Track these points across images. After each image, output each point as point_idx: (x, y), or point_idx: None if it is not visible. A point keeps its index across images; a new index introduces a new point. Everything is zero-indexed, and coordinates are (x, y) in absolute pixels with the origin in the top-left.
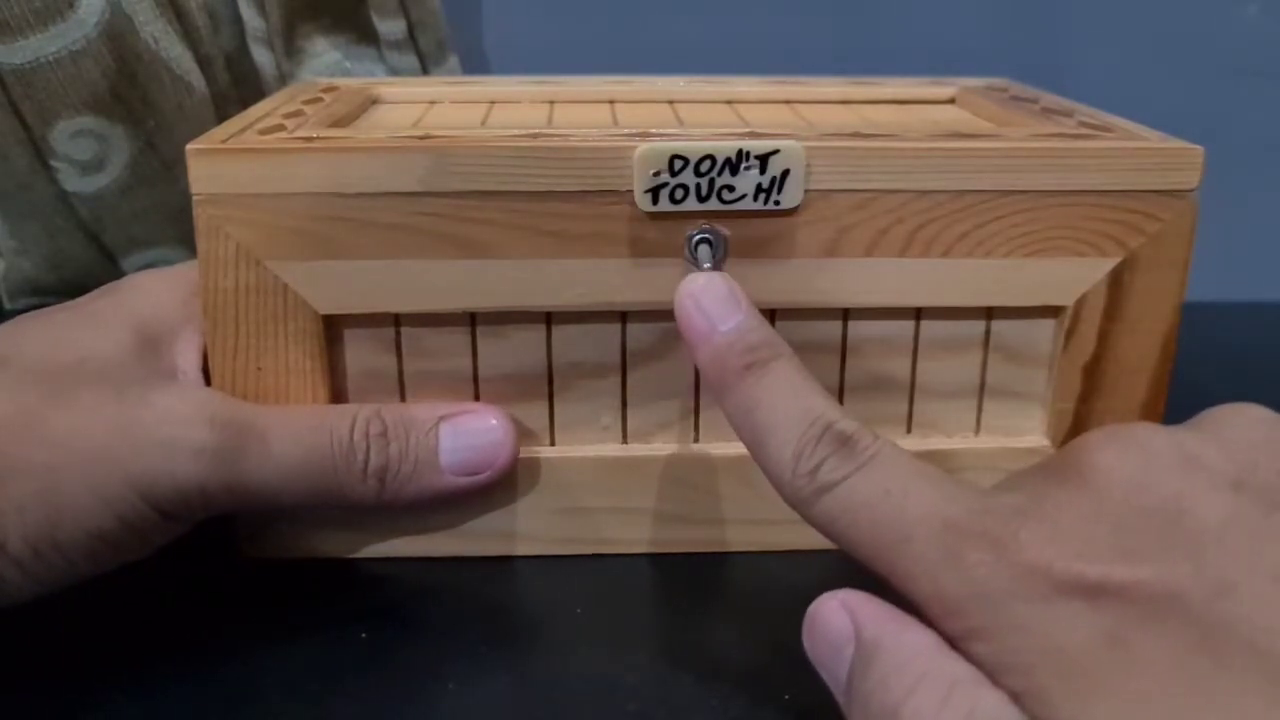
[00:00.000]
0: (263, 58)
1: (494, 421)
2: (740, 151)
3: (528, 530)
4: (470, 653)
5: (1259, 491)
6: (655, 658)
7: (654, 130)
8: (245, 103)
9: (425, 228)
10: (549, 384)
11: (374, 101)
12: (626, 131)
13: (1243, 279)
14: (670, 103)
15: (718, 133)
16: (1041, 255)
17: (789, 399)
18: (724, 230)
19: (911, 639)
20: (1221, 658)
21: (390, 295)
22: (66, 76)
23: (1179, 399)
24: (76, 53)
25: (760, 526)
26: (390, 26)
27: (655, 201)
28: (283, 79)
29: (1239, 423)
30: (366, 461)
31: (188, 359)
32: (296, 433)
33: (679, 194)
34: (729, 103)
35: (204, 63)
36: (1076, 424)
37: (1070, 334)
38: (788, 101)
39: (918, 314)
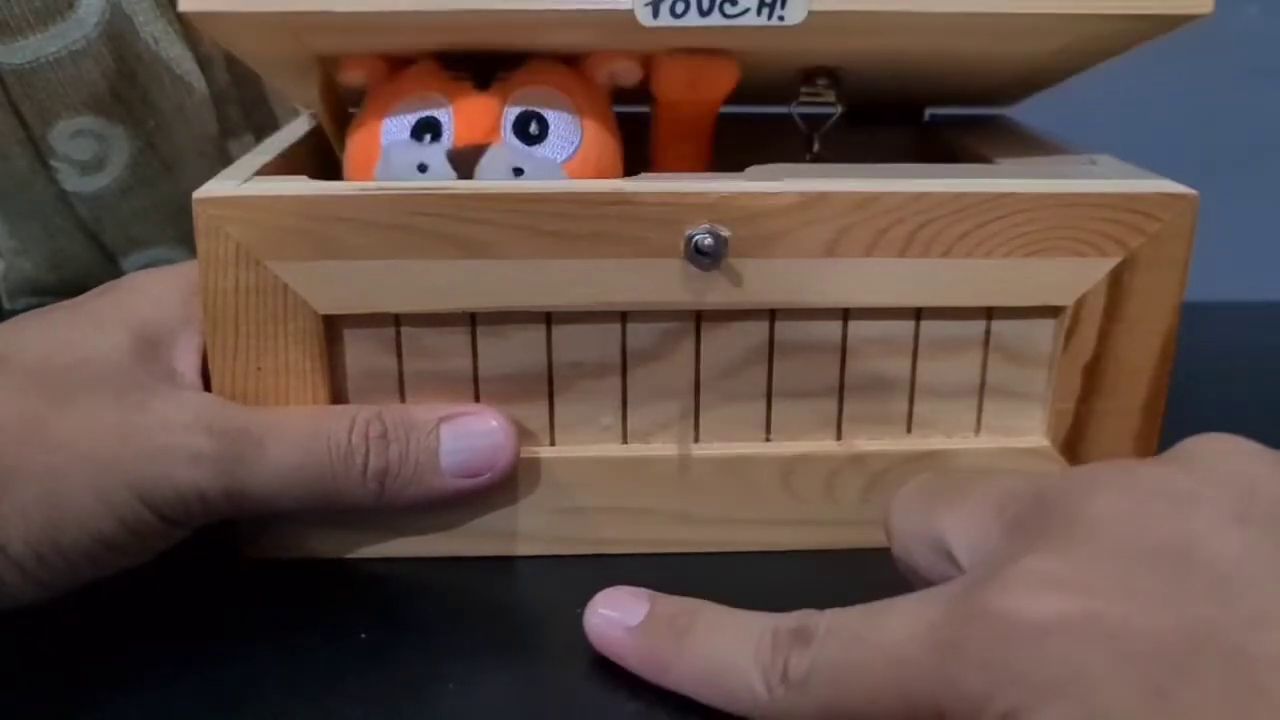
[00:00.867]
0: None
1: (494, 423)
2: None
3: (528, 530)
4: (470, 653)
5: (1265, 522)
6: None
7: None
8: (245, 103)
9: (425, 228)
10: (549, 384)
11: None
12: None
13: (1243, 279)
14: None
15: None
16: (1041, 255)
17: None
18: (724, 231)
19: None
20: (1271, 695)
21: (390, 295)
22: (66, 76)
23: (1179, 399)
24: (76, 53)
25: (760, 526)
26: None
27: (655, 15)
28: None
29: (1220, 454)
30: (366, 464)
31: (187, 361)
32: (295, 437)
33: (680, 8)
34: None
35: (204, 63)
36: (1076, 424)
37: (1070, 334)
38: None
39: (918, 314)
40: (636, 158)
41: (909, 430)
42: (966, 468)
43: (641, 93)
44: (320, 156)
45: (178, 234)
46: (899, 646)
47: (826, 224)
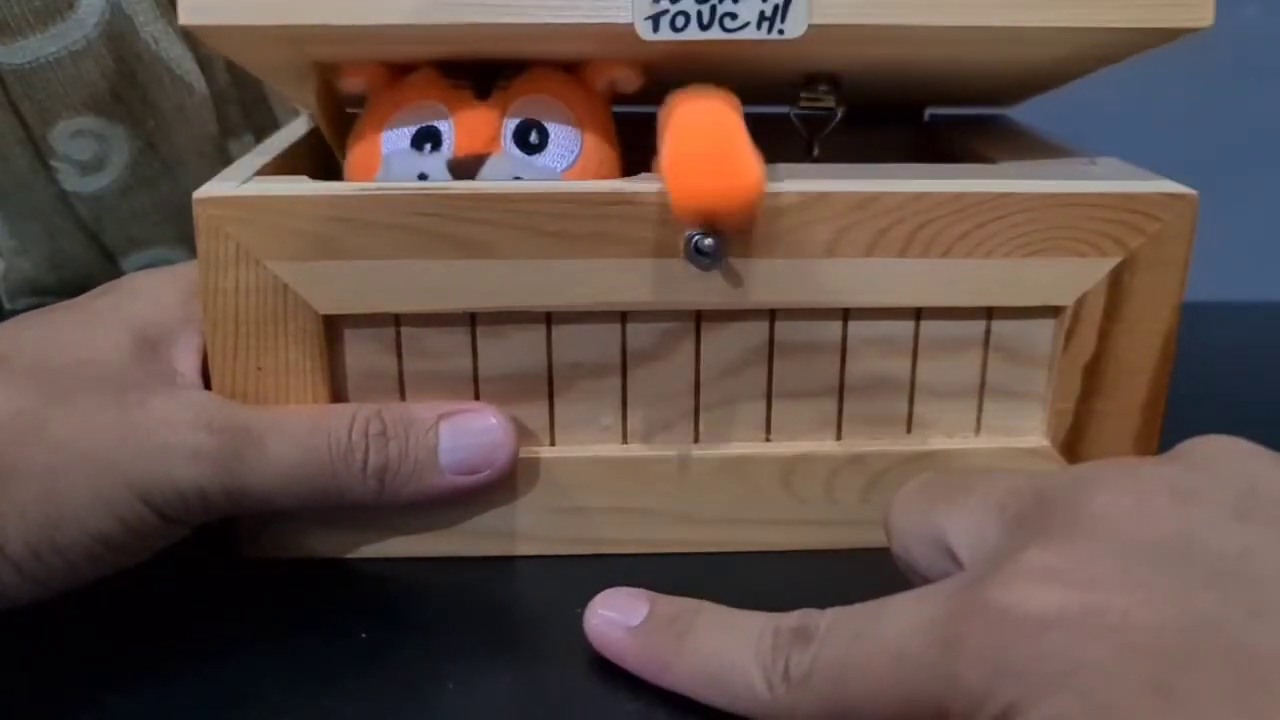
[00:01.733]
0: None
1: (493, 420)
2: None
3: (528, 530)
4: (470, 653)
5: (1265, 519)
6: None
7: None
8: (245, 103)
9: (425, 228)
10: (549, 384)
11: None
12: None
13: (1243, 279)
14: None
15: None
16: (1041, 255)
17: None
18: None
19: None
20: (1272, 689)
21: (390, 295)
22: (66, 76)
23: (1179, 399)
24: (76, 53)
25: (760, 526)
26: None
27: (656, 29)
28: None
29: (1220, 453)
30: (366, 461)
31: (187, 361)
32: (294, 434)
33: (680, 21)
34: None
35: (204, 63)
36: (1076, 424)
37: (1070, 334)
38: None
39: (918, 314)
40: (637, 158)
41: (909, 430)
42: (967, 467)
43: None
44: (320, 156)
45: (178, 234)
46: (899, 643)
47: (826, 224)
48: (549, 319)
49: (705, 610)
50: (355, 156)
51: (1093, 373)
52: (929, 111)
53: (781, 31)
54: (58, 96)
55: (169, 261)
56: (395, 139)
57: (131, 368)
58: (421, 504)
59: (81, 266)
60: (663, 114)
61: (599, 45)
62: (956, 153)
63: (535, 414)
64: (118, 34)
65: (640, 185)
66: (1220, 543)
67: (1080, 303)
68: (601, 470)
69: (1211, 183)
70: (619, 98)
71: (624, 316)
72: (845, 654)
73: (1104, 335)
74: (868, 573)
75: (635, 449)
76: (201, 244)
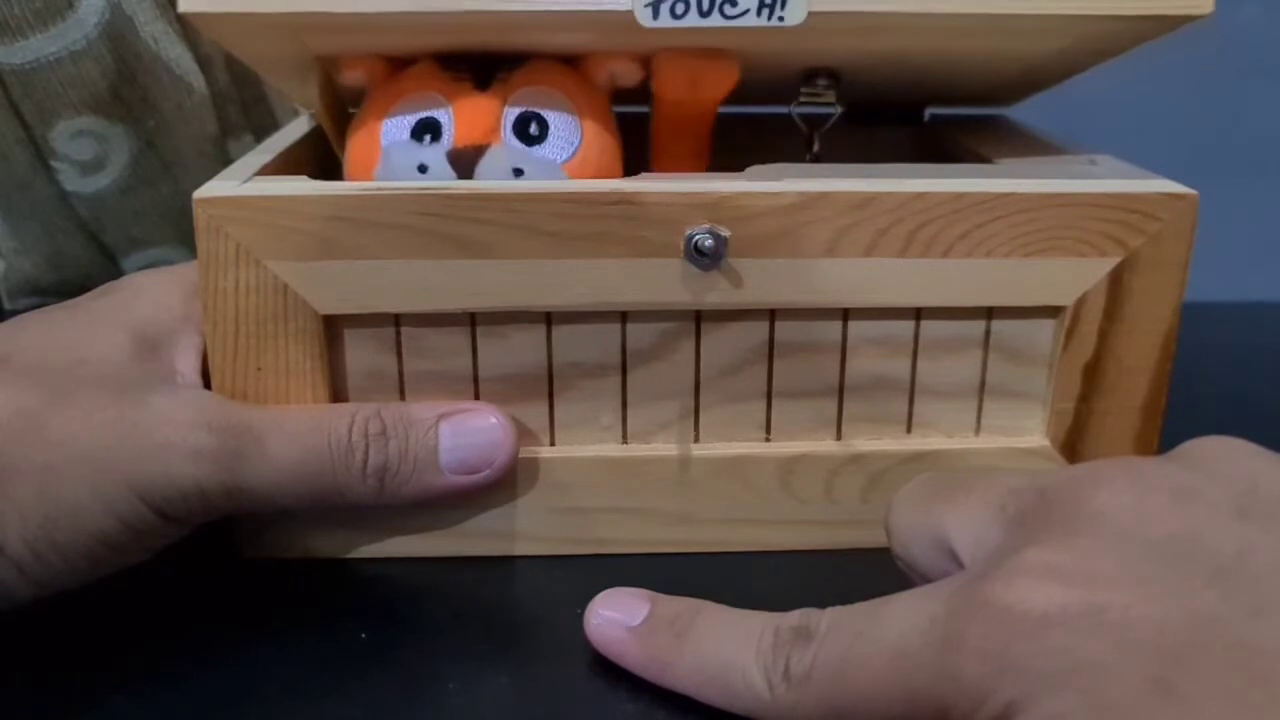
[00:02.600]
0: None
1: (493, 420)
2: None
3: (527, 530)
4: (470, 653)
5: (1265, 517)
6: None
7: None
8: (245, 103)
9: (425, 227)
10: (549, 384)
11: None
12: None
13: (1243, 279)
14: None
15: None
16: (1041, 255)
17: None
18: (724, 231)
19: None
20: (1272, 686)
21: (390, 295)
22: (66, 76)
23: (1179, 399)
24: (76, 53)
25: (760, 526)
26: None
27: (655, 16)
28: None
29: (1221, 453)
30: (365, 461)
31: (187, 361)
32: (294, 434)
33: (680, 8)
34: None
35: (204, 63)
36: (1076, 424)
37: (1070, 334)
38: None
39: (918, 314)
40: (636, 158)
41: (909, 430)
42: (967, 467)
43: (641, 92)
44: (320, 156)
45: (178, 234)
46: (900, 641)
47: (826, 224)
48: (549, 319)
49: (705, 610)
50: (355, 148)
51: (1093, 373)
52: (929, 111)
53: (782, 19)
54: (58, 96)
55: (169, 261)
56: (395, 130)
57: (131, 367)
58: (421, 504)
59: (81, 266)
60: None
61: (599, 35)
62: (956, 153)
63: (535, 414)
64: (118, 34)
65: (640, 185)
66: (1221, 541)
67: (1080, 303)
68: (601, 470)
69: (1211, 183)
70: (619, 95)
71: (624, 316)
72: (846, 653)
73: (1104, 335)
74: (868, 573)
75: (635, 449)
76: (201, 244)
